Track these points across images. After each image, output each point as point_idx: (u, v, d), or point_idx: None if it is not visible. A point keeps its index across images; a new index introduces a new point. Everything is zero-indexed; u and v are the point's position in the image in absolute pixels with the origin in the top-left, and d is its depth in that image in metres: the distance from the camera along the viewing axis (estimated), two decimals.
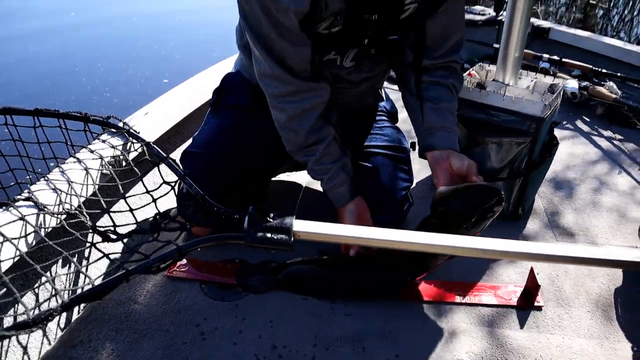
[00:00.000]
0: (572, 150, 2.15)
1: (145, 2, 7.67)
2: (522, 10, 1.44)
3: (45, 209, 1.04)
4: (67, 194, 1.11)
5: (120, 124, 1.36)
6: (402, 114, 1.61)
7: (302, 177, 1.80)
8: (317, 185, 1.74)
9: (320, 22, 1.13)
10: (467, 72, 1.64)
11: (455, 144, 1.29)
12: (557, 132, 1.73)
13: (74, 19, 6.71)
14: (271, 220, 0.91)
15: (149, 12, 6.94)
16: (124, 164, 1.29)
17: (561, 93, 1.59)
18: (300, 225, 0.89)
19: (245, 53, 1.43)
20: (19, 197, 1.09)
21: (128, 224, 1.08)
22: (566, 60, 2.66)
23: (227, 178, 1.36)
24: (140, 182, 1.17)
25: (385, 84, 1.65)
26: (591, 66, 2.62)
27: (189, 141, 1.46)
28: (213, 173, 1.35)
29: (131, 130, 1.29)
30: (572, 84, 2.51)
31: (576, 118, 2.47)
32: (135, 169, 1.18)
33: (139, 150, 1.27)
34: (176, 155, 1.47)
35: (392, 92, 1.74)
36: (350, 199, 1.31)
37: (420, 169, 1.84)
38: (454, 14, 1.27)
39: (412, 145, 1.57)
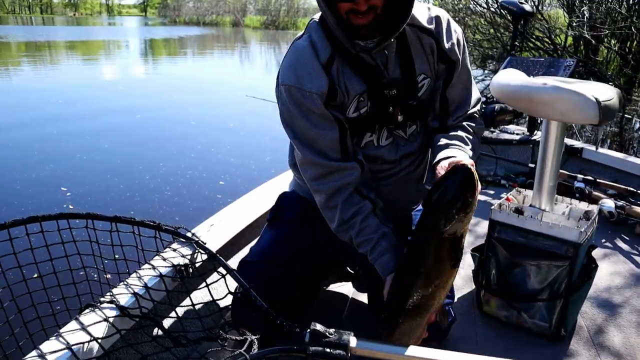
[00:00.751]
0: (613, 269, 2.17)
1: (203, 108, 8.34)
2: (554, 148, 1.58)
3: (126, 312, 1.16)
4: (144, 298, 1.24)
5: (189, 234, 1.51)
6: None
7: (348, 289, 1.90)
8: (363, 297, 1.82)
9: (348, 106, 1.32)
10: (505, 197, 1.77)
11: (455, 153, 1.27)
12: (597, 251, 1.79)
13: (140, 120, 7.37)
14: (330, 335, 1.00)
15: (207, 117, 7.57)
16: (192, 272, 1.43)
17: (596, 219, 1.68)
18: (357, 342, 0.98)
19: (295, 170, 1.59)
20: (103, 299, 1.22)
21: (197, 331, 1.19)
22: (601, 180, 2.75)
23: (279, 284, 1.46)
24: (206, 290, 1.29)
25: None
26: (626, 187, 2.70)
27: (247, 251, 1.59)
28: (267, 280, 1.45)
29: (199, 242, 1.44)
30: (609, 204, 2.58)
31: (615, 237, 2.51)
32: (204, 280, 1.30)
33: (206, 260, 1.40)
34: (234, 263, 1.60)
35: None
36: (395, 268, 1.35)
37: (462, 284, 1.91)
38: (467, 79, 1.41)
39: None
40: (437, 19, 1.36)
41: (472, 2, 12.42)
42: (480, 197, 2.93)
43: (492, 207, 1.67)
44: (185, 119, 7.54)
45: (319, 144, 1.32)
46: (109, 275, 1.60)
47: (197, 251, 1.47)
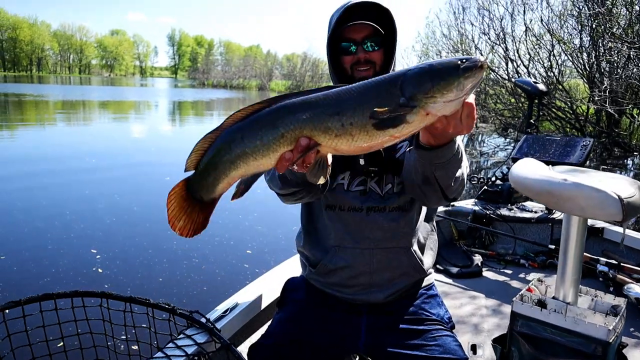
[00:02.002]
0: None
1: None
2: (576, 242, 1.55)
3: None
4: None
5: (203, 320, 1.49)
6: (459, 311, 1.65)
7: None
8: None
9: None
10: (527, 287, 1.72)
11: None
12: (626, 339, 1.70)
13: (169, 182, 7.47)
14: None
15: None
16: None
17: (625, 314, 1.60)
18: None
19: (301, 254, 1.63)
20: None
21: None
22: (625, 264, 2.66)
23: None
24: None
25: (439, 287, 1.71)
26: None
27: (259, 334, 1.56)
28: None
29: (214, 330, 1.42)
30: (636, 289, 2.48)
31: None
32: None
33: (220, 348, 1.37)
34: (247, 346, 1.56)
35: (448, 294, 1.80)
36: None
37: None
38: None
39: (473, 348, 1.59)
40: None
41: (492, 73, 12.68)
42: (498, 278, 2.86)
43: (514, 299, 1.62)
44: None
45: None
46: None
47: (211, 339, 1.45)
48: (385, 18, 1.42)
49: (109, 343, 1.63)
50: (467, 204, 3.41)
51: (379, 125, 0.88)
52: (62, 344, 1.56)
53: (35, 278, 3.83)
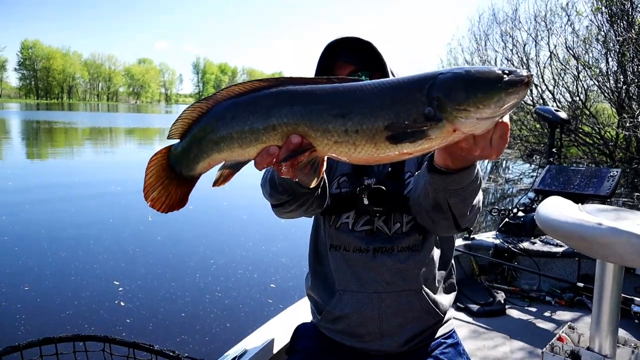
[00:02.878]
0: None
1: (253, 201, 8.44)
2: (612, 290, 1.42)
3: None
4: None
5: None
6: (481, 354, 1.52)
7: None
8: None
9: (332, 182, 1.38)
10: (557, 335, 1.58)
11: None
12: None
13: (193, 211, 7.46)
14: None
15: (257, 210, 7.59)
16: None
17: None
18: None
19: (310, 298, 1.53)
20: None
21: None
22: None
23: None
24: None
25: (459, 327, 1.60)
26: None
27: None
28: None
29: None
30: None
31: None
32: None
33: None
34: None
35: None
36: None
37: None
38: None
39: None
40: None
41: None
42: (522, 317, 2.70)
43: (544, 350, 1.49)
44: (235, 212, 7.57)
45: None
46: None
47: None
48: (370, 50, 1.35)
49: None
50: (488, 237, 3.26)
51: (394, 139, 0.72)
52: None
53: (58, 311, 3.79)
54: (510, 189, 10.17)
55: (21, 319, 3.59)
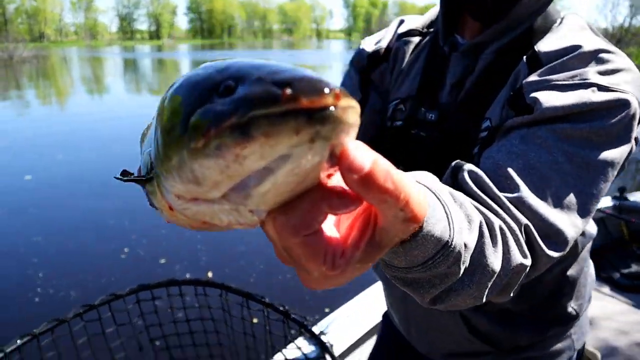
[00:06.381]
0: None
1: None
2: None
3: None
4: None
5: (316, 331, 1.33)
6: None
7: None
8: None
9: (388, 111, 0.96)
10: None
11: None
12: None
13: None
14: None
15: None
16: None
17: None
18: None
19: None
20: None
21: None
22: None
23: None
24: None
25: (596, 301, 1.25)
26: None
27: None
28: None
29: (327, 345, 1.25)
30: None
31: None
32: None
33: None
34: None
35: None
36: None
37: None
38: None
39: None
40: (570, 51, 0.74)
41: None
42: None
43: None
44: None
45: None
46: None
47: (323, 355, 1.28)
48: None
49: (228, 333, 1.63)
50: None
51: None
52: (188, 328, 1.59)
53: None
54: None
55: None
